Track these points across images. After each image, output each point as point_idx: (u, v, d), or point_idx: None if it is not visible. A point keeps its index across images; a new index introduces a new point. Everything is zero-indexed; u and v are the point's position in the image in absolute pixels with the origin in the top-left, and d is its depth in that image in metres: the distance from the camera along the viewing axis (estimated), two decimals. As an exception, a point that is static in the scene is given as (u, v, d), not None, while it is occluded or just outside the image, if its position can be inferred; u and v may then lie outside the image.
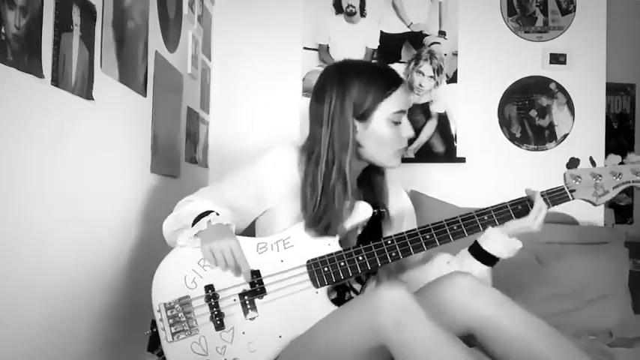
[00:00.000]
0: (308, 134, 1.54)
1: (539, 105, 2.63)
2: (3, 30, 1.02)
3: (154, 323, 1.41)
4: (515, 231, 1.48)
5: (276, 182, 1.49)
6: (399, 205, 1.65)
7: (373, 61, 2.60)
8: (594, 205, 1.50)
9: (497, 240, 1.48)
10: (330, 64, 1.59)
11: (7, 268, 1.08)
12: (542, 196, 1.47)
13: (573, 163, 1.51)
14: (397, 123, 1.48)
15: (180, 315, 1.38)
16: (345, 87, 1.45)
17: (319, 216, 1.43)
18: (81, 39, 1.33)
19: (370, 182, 1.58)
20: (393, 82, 1.48)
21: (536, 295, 2.10)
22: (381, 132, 1.46)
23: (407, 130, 1.49)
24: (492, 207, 1.48)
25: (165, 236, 1.49)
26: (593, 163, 1.51)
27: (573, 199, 1.48)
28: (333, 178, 1.44)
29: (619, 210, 3.76)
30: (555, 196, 1.48)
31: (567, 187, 1.48)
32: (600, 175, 1.48)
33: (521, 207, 1.48)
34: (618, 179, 1.48)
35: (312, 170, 1.46)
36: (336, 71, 1.50)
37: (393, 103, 1.46)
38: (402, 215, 1.64)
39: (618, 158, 1.50)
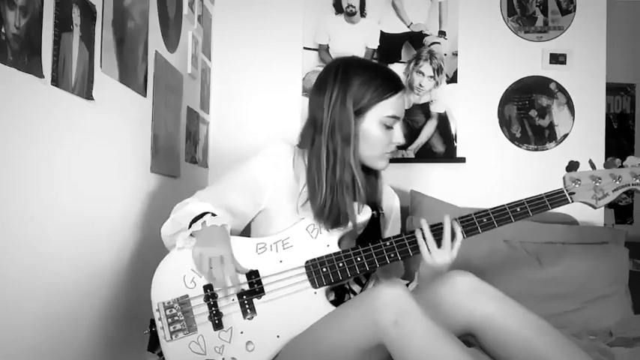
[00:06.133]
0: (305, 124, 1.54)
1: (539, 105, 2.63)
2: (3, 30, 1.02)
3: (152, 323, 1.41)
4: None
5: (271, 182, 1.49)
6: (390, 204, 1.68)
7: (374, 61, 2.60)
8: (594, 207, 1.49)
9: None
10: (337, 57, 1.60)
11: (7, 268, 1.08)
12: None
13: (573, 166, 1.50)
14: (389, 127, 1.49)
15: (178, 314, 1.38)
16: (347, 80, 1.46)
17: (328, 209, 1.43)
18: (81, 39, 1.33)
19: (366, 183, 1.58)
20: (393, 87, 1.48)
21: (536, 295, 2.10)
22: (372, 132, 1.48)
23: (398, 136, 1.50)
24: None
25: (164, 240, 1.50)
26: (592, 166, 1.50)
27: (572, 201, 1.48)
28: (338, 171, 1.44)
29: (619, 210, 3.76)
30: (554, 199, 1.47)
31: (567, 190, 1.47)
32: (600, 178, 1.48)
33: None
34: (618, 182, 1.47)
35: (315, 163, 1.46)
36: (341, 64, 1.51)
37: (389, 107, 1.47)
38: (390, 215, 1.67)
39: (618, 161, 1.50)
